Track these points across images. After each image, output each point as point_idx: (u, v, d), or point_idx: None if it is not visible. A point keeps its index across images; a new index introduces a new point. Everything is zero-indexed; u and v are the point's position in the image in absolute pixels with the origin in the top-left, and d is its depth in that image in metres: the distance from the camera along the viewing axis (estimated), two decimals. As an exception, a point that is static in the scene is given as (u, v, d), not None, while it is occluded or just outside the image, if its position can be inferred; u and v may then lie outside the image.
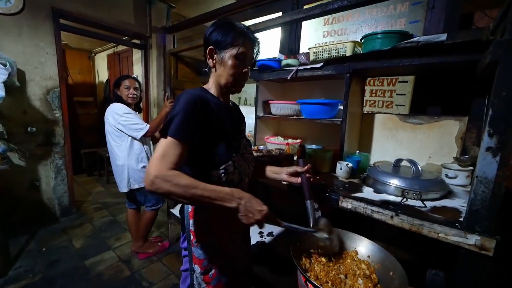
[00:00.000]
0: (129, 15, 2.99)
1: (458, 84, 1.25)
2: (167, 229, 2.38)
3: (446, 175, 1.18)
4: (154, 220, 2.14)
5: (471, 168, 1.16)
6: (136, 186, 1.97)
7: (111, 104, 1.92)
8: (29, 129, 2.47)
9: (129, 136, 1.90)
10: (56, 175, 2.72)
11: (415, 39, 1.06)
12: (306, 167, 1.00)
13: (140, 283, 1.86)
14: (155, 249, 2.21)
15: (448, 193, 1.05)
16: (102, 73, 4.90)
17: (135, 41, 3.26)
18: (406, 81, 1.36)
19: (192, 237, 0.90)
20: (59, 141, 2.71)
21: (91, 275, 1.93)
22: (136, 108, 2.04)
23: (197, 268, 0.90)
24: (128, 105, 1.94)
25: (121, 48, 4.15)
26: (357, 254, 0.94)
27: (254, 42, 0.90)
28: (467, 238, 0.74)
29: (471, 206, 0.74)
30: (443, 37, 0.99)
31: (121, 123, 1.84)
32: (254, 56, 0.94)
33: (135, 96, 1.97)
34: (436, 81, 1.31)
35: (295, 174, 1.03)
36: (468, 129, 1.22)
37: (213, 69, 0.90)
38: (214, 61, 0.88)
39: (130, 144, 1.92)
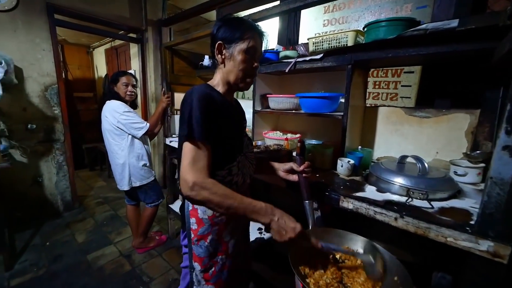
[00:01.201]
0: (124, 9, 2.92)
1: (469, 74, 1.15)
2: (167, 224, 2.39)
3: (455, 173, 1.11)
4: (154, 216, 2.14)
5: (482, 164, 1.08)
6: (138, 184, 1.96)
7: (108, 102, 1.88)
8: (29, 126, 2.47)
9: (129, 134, 1.87)
10: (58, 171, 2.74)
11: (423, 26, 0.97)
12: (302, 166, 0.96)
13: (141, 278, 1.87)
14: (154, 243, 2.22)
15: (457, 192, 0.98)
16: (101, 68, 4.85)
17: (131, 35, 3.20)
18: (412, 72, 1.27)
19: (192, 235, 0.89)
20: (59, 138, 2.70)
21: (93, 269, 1.96)
22: (132, 105, 2.00)
23: (197, 266, 0.90)
24: (126, 102, 1.91)
25: (118, 42, 4.08)
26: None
27: (263, 36, 0.88)
28: (478, 244, 0.68)
29: (484, 209, 0.68)
30: (454, 23, 0.90)
31: (121, 121, 1.81)
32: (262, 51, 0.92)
33: (133, 93, 1.94)
34: (445, 71, 1.21)
35: (292, 171, 1.01)
36: (480, 122, 1.14)
37: (221, 65, 0.87)
38: (223, 57, 0.85)
39: (130, 143, 1.89)
